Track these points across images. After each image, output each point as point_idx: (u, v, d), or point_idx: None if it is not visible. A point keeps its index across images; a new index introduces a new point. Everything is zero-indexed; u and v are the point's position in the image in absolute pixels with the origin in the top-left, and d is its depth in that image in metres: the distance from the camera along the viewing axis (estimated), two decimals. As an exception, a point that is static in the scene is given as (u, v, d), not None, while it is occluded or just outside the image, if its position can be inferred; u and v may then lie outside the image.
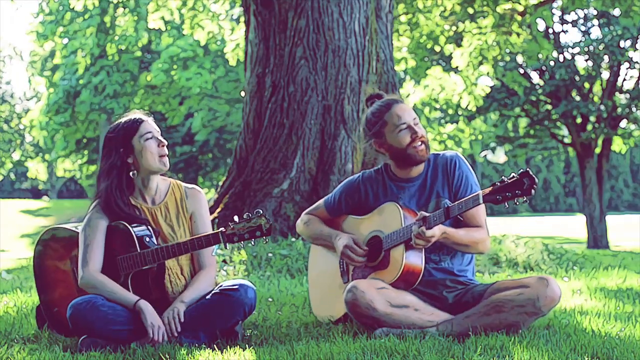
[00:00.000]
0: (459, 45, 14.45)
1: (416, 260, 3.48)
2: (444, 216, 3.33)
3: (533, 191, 3.18)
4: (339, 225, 3.84)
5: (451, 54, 14.81)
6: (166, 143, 3.52)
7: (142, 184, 3.52)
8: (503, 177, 3.25)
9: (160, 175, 3.58)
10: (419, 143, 3.57)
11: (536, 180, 3.19)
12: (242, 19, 11.03)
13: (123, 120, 3.53)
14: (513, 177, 3.22)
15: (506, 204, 3.24)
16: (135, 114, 3.55)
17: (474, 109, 18.75)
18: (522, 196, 3.19)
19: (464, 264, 3.65)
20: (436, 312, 3.44)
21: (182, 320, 3.30)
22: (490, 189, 3.26)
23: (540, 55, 15.54)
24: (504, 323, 3.29)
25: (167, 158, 3.51)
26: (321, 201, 3.93)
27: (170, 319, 3.29)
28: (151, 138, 3.48)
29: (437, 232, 3.38)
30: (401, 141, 3.58)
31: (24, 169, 48.10)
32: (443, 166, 3.64)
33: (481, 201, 3.27)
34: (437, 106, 18.56)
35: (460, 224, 3.57)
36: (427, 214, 3.39)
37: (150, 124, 3.51)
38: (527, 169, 3.21)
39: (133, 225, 3.41)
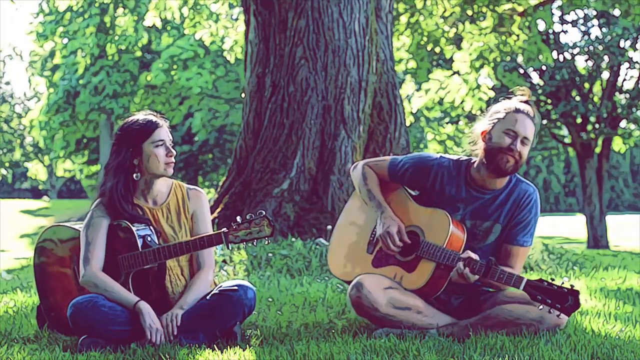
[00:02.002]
0: (459, 48, 14.45)
1: (442, 278, 3.43)
2: (482, 272, 3.27)
3: (572, 314, 3.10)
4: (390, 191, 3.72)
5: (452, 56, 14.81)
6: (175, 153, 3.51)
7: (144, 185, 3.52)
8: (553, 280, 3.15)
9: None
10: (511, 156, 3.44)
11: (580, 305, 3.10)
12: (241, 18, 11.02)
13: (139, 119, 3.50)
14: (562, 287, 3.12)
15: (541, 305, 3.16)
16: (151, 116, 3.52)
17: (479, 112, 18.74)
18: (559, 311, 3.11)
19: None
20: (438, 315, 3.43)
21: (179, 323, 3.31)
22: (536, 282, 3.16)
23: (540, 57, 15.54)
24: (505, 334, 3.28)
25: (172, 165, 3.51)
26: (387, 159, 3.76)
27: (169, 321, 3.30)
28: (162, 145, 3.47)
29: (474, 278, 3.31)
30: (500, 141, 3.45)
31: (24, 169, 48.09)
32: (518, 195, 3.53)
33: (521, 288, 3.18)
34: (440, 109, 18.56)
35: (500, 252, 3.52)
36: (473, 257, 3.30)
37: (164, 131, 3.50)
38: (578, 290, 3.11)
39: (135, 224, 3.42)
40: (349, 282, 3.63)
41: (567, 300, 3.09)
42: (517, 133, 3.45)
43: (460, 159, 3.63)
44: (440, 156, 3.66)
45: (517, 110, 3.50)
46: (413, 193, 3.71)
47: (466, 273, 3.27)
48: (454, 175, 3.58)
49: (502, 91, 21.10)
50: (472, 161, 3.60)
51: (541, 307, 3.15)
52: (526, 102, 3.59)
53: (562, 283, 3.14)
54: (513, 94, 3.63)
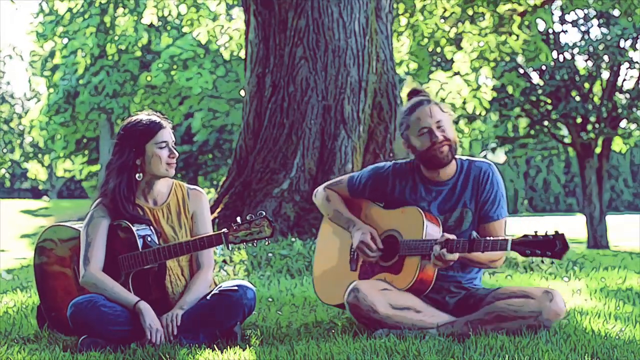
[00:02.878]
0: (460, 48, 14.45)
1: (430, 271, 3.45)
2: (467, 248, 3.27)
3: (563, 256, 3.10)
4: (359, 208, 3.77)
5: (452, 56, 14.81)
6: (177, 155, 3.51)
7: (146, 185, 3.52)
8: (537, 232, 3.16)
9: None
10: (441, 146, 3.49)
11: (569, 247, 3.11)
12: (239, 16, 11.02)
13: (143, 120, 3.50)
14: (547, 235, 3.13)
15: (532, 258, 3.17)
16: (155, 117, 3.52)
17: (483, 112, 18.75)
18: (550, 257, 3.11)
19: (473, 272, 3.63)
20: (437, 314, 3.43)
21: (179, 323, 3.31)
22: (521, 238, 3.17)
23: (540, 57, 15.54)
24: (505, 330, 3.29)
25: (174, 166, 3.51)
26: (345, 178, 3.84)
27: (169, 322, 3.30)
28: (165, 147, 3.47)
29: (457, 256, 3.32)
30: (421, 145, 3.51)
31: (24, 169, 48.09)
32: (475, 176, 3.57)
33: (509, 249, 3.19)
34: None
35: (480, 234, 3.52)
36: (451, 237, 3.32)
37: (167, 132, 3.50)
38: (563, 233, 3.12)
39: (135, 224, 3.42)
40: (339, 305, 3.66)
41: (555, 245, 3.11)
42: (428, 126, 3.51)
43: (412, 160, 3.69)
44: (393, 162, 3.74)
45: (412, 109, 3.57)
46: (380, 204, 3.75)
47: (442, 253, 3.28)
48: (409, 177, 3.65)
49: (502, 91, 21.14)
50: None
51: (531, 256, 3.15)
52: (413, 92, 3.68)
53: (546, 233, 3.15)
54: (408, 97, 3.71)
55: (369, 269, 3.62)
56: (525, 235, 3.17)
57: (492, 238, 3.27)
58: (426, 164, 3.57)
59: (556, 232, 3.13)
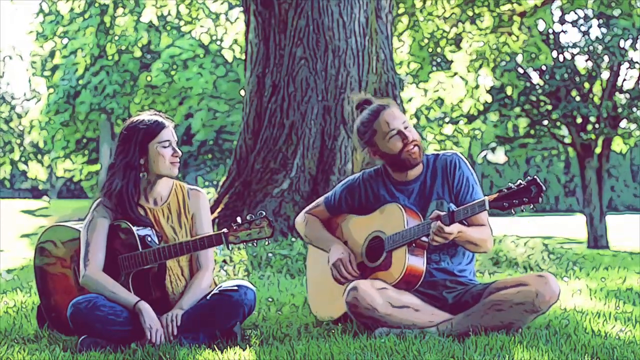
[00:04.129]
0: (459, 48, 14.46)
1: (418, 262, 3.48)
2: (448, 220, 3.31)
3: (540, 199, 3.15)
4: (338, 224, 3.83)
5: (452, 57, 14.82)
6: (180, 154, 3.52)
7: (147, 185, 3.52)
8: (510, 184, 3.22)
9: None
10: (412, 146, 3.55)
11: (544, 188, 3.16)
12: (240, 17, 11.01)
13: (145, 119, 3.50)
14: (520, 184, 3.19)
15: (513, 210, 3.22)
16: (157, 116, 3.53)
17: (475, 112, 18.76)
18: (529, 203, 3.16)
19: (464, 263, 3.65)
20: (436, 312, 3.44)
21: (179, 323, 3.31)
22: (496, 195, 3.23)
23: (540, 57, 15.54)
24: (504, 322, 3.30)
25: (177, 166, 3.52)
26: (321, 199, 3.91)
27: (169, 322, 3.30)
28: (168, 146, 3.48)
29: (454, 229, 3.34)
30: (393, 148, 3.56)
31: (23, 169, 48.09)
32: (443, 167, 3.62)
33: (487, 207, 3.24)
34: (440, 110, 18.56)
35: (463, 222, 3.55)
36: (441, 213, 3.34)
37: (170, 131, 3.50)
38: (535, 177, 3.17)
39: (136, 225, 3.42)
40: (338, 319, 3.69)
41: (530, 191, 3.16)
42: (396, 128, 3.55)
43: (380, 166, 3.74)
44: (362, 171, 3.79)
45: (375, 115, 3.60)
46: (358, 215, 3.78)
47: (441, 226, 3.30)
48: (379, 180, 3.70)
49: (502, 91, 21.14)
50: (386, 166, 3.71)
51: (510, 208, 3.18)
52: (366, 100, 3.72)
53: (518, 181, 3.20)
54: (357, 109, 3.74)
55: (360, 275, 3.63)
56: (500, 190, 3.23)
57: (469, 204, 3.31)
58: (398, 167, 3.61)
59: (528, 177, 3.19)
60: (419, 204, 3.62)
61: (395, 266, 3.49)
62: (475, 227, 3.49)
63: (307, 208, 3.95)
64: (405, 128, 3.56)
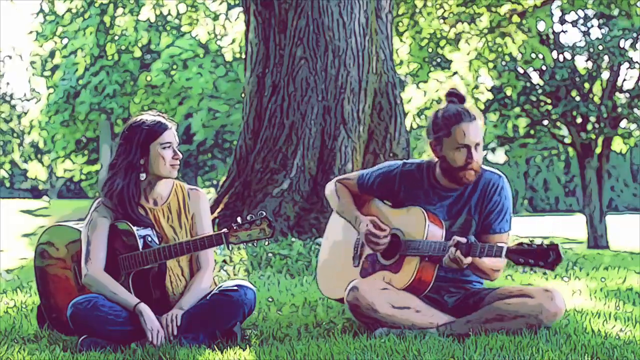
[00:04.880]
0: (458, 48, 14.46)
1: (429, 271, 3.45)
2: (464, 250, 3.28)
3: (556, 267, 3.12)
4: (365, 202, 3.78)
5: (452, 57, 14.82)
6: (181, 156, 3.52)
7: (147, 185, 3.52)
8: (532, 241, 3.17)
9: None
10: (471, 170, 3.45)
11: (562, 258, 3.13)
12: (240, 17, 11.01)
13: (148, 120, 3.50)
14: (541, 245, 3.14)
15: (526, 267, 3.19)
16: (160, 118, 3.53)
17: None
18: (543, 268, 3.13)
19: (472, 275, 3.63)
20: (437, 314, 3.44)
21: (179, 324, 3.31)
22: (516, 246, 3.18)
23: (540, 57, 15.55)
24: (504, 330, 3.29)
25: (177, 168, 3.52)
26: (355, 174, 3.83)
27: (169, 322, 3.30)
28: (169, 148, 3.47)
29: (469, 260, 3.31)
30: (456, 159, 3.44)
31: (24, 169, 48.09)
32: (484, 185, 3.54)
33: (503, 255, 3.20)
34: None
35: (481, 241, 3.53)
36: (462, 240, 3.30)
37: (172, 133, 3.50)
38: (558, 244, 3.13)
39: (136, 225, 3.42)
40: (341, 301, 3.66)
41: (549, 256, 3.13)
42: (469, 145, 3.44)
43: (423, 162, 3.65)
44: (404, 162, 3.70)
45: (459, 120, 3.45)
46: (387, 203, 3.76)
47: (458, 256, 3.28)
48: (418, 179, 3.61)
49: (502, 91, 21.15)
50: (434, 163, 3.61)
51: (526, 268, 3.17)
52: (457, 96, 3.57)
53: (542, 243, 3.16)
54: (447, 97, 3.61)
55: (370, 266, 3.63)
56: (520, 244, 3.18)
57: (487, 244, 3.27)
58: (448, 175, 3.51)
59: (551, 242, 3.15)
60: (449, 212, 3.56)
61: (406, 272, 3.47)
62: (488, 259, 3.43)
63: (339, 177, 3.91)
64: (476, 148, 3.44)
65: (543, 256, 3.13)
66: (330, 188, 3.88)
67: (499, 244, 3.24)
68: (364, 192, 3.78)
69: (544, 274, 6.74)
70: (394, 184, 3.66)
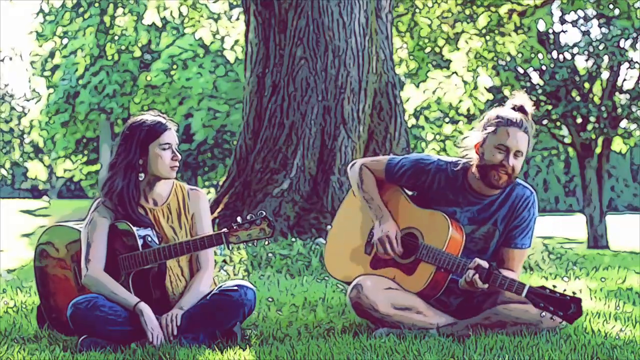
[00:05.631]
0: (457, 48, 14.46)
1: (442, 280, 3.42)
2: (484, 276, 3.26)
3: (574, 321, 3.10)
4: (386, 190, 3.68)
5: (450, 57, 14.82)
6: (180, 157, 3.51)
7: (147, 185, 3.52)
8: (555, 288, 3.15)
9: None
10: (504, 173, 3.40)
11: (582, 312, 3.10)
12: (241, 18, 11.02)
13: (148, 120, 3.49)
14: (564, 295, 3.12)
15: (542, 311, 3.15)
16: (160, 118, 3.52)
17: (477, 112, 18.74)
18: (562, 319, 3.11)
19: None
20: (438, 315, 3.43)
21: (179, 324, 3.31)
22: (538, 289, 3.16)
23: (539, 57, 15.54)
24: (505, 333, 3.29)
25: (176, 169, 3.51)
26: (384, 159, 3.71)
27: (168, 322, 3.30)
28: (168, 149, 3.47)
29: (486, 285, 3.28)
30: (491, 158, 3.40)
31: (24, 169, 48.10)
32: (515, 199, 3.51)
33: (523, 295, 3.17)
34: (440, 109, 18.56)
35: (498, 256, 3.52)
36: (483, 264, 3.27)
37: (172, 134, 3.49)
38: (580, 298, 3.10)
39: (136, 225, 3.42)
40: (347, 283, 3.62)
41: (570, 307, 3.10)
42: (509, 148, 3.41)
43: (458, 162, 3.58)
44: (438, 159, 3.62)
45: (509, 123, 3.44)
46: (410, 193, 3.68)
47: (475, 280, 3.25)
48: (451, 178, 3.55)
49: (500, 91, 21.13)
50: (469, 165, 3.55)
51: (544, 314, 3.14)
52: (520, 108, 3.56)
53: (564, 290, 3.14)
54: (507, 100, 3.62)
55: (382, 259, 3.55)
56: (543, 287, 3.16)
57: (510, 277, 3.23)
58: (480, 177, 3.46)
59: (574, 294, 3.12)
60: (475, 218, 3.52)
61: (419, 277, 3.43)
62: (504, 271, 3.41)
63: (365, 160, 3.78)
64: (515, 156, 3.42)
65: (564, 307, 3.11)
66: (355, 171, 3.74)
67: (521, 282, 3.20)
68: (391, 180, 3.67)
69: (546, 268, 6.74)
70: (426, 179, 3.57)
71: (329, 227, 4.10)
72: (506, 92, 19.23)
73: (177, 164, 3.50)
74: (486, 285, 3.27)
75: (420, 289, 3.42)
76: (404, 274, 3.48)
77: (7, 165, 45.43)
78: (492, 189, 3.48)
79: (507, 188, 3.52)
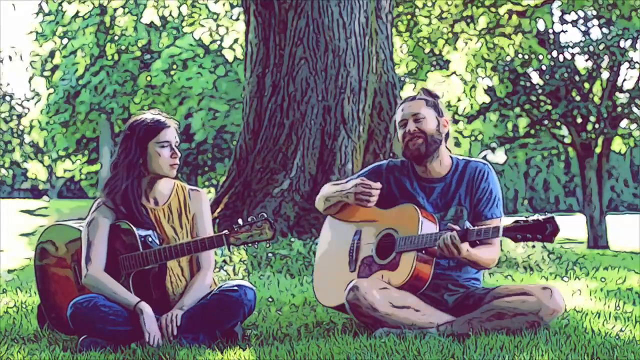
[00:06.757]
0: (457, 48, 14.47)
1: (426, 267, 3.45)
2: (460, 236, 3.29)
3: (554, 238, 3.14)
4: (355, 209, 3.75)
5: (450, 57, 14.83)
6: (179, 155, 3.51)
7: (147, 184, 3.52)
8: (527, 217, 3.20)
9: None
10: (414, 137, 3.53)
11: (559, 228, 3.14)
12: (241, 17, 11.02)
13: (147, 119, 3.50)
14: (537, 219, 3.17)
15: (524, 242, 3.21)
16: (160, 116, 3.52)
17: (475, 113, 18.75)
18: (542, 241, 3.15)
19: (472, 272, 3.63)
20: (437, 314, 3.44)
21: (179, 324, 3.31)
22: (512, 224, 3.21)
23: (540, 57, 15.54)
24: (504, 329, 3.29)
25: (176, 167, 3.51)
26: (344, 181, 3.84)
27: (168, 322, 3.30)
28: (167, 146, 3.46)
29: (464, 247, 3.32)
30: (400, 138, 3.59)
31: (24, 169, 48.10)
32: (470, 174, 3.58)
33: (501, 234, 3.22)
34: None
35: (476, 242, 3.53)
36: (456, 228, 3.32)
37: (171, 132, 3.49)
38: (553, 216, 3.16)
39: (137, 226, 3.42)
40: (338, 307, 3.65)
41: (546, 228, 3.15)
42: (406, 119, 3.57)
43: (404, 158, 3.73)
44: (389, 160, 3.78)
45: (400, 104, 3.65)
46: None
47: (454, 238, 3.29)
48: (404, 172, 3.68)
49: (502, 90, 21.12)
50: None
51: (522, 241, 3.17)
52: (419, 91, 3.72)
53: (536, 216, 3.19)
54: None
55: (366, 268, 3.62)
56: (516, 221, 3.21)
57: (483, 227, 3.29)
58: (405, 155, 3.61)
59: (547, 215, 3.17)
60: (438, 205, 3.59)
61: (402, 269, 3.47)
62: (483, 247, 3.44)
63: (330, 183, 3.92)
64: (416, 120, 3.55)
65: (540, 229, 3.15)
66: (320, 194, 3.88)
67: (495, 226, 3.26)
68: None
69: (546, 268, 6.74)
70: (383, 177, 3.69)
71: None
72: (499, 91, 19.18)
73: (177, 162, 3.49)
74: (466, 245, 3.31)
75: (405, 278, 3.43)
76: (390, 272, 3.52)
77: (7, 165, 45.43)
78: (422, 163, 3.58)
79: (460, 167, 3.62)
